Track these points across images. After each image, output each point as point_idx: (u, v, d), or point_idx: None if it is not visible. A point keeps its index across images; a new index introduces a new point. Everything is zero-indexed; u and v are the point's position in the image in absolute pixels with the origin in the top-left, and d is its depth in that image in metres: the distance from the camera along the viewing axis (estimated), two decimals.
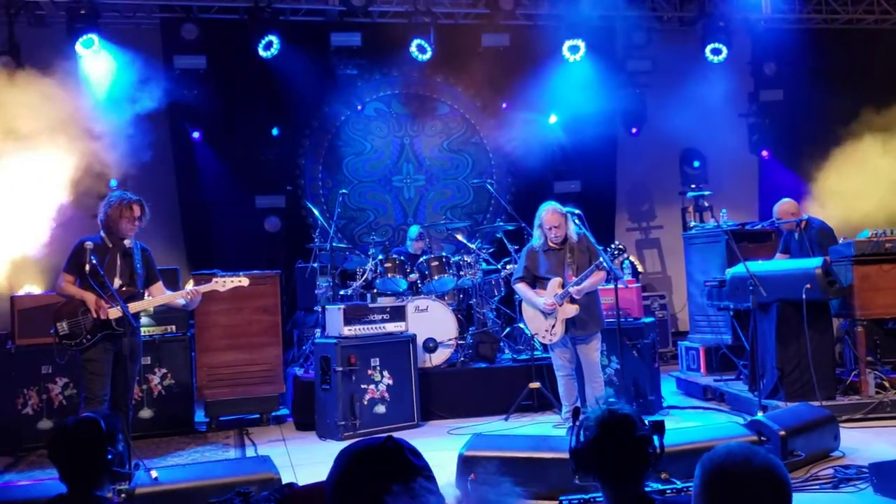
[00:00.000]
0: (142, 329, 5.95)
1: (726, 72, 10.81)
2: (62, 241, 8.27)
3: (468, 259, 7.94)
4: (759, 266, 6.54)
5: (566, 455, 4.55)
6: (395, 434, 5.85)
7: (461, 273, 7.84)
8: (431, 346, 7.40)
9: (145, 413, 6.99)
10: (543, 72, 10.51)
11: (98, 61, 9.05)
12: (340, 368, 6.52)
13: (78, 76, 9.07)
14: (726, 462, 1.93)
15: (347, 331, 6.73)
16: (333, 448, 6.19)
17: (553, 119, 10.89)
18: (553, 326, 6.08)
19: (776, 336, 6.46)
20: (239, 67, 9.65)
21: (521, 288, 6.29)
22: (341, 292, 7.73)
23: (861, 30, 11.27)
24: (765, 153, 11.41)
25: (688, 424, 6.14)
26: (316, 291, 8.04)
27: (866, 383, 6.44)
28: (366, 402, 6.66)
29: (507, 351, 7.95)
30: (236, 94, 9.71)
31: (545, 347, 6.66)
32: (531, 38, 10.53)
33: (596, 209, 9.93)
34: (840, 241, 6.98)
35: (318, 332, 7.62)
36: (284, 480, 4.42)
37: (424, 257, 7.90)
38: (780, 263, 6.79)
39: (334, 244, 7.68)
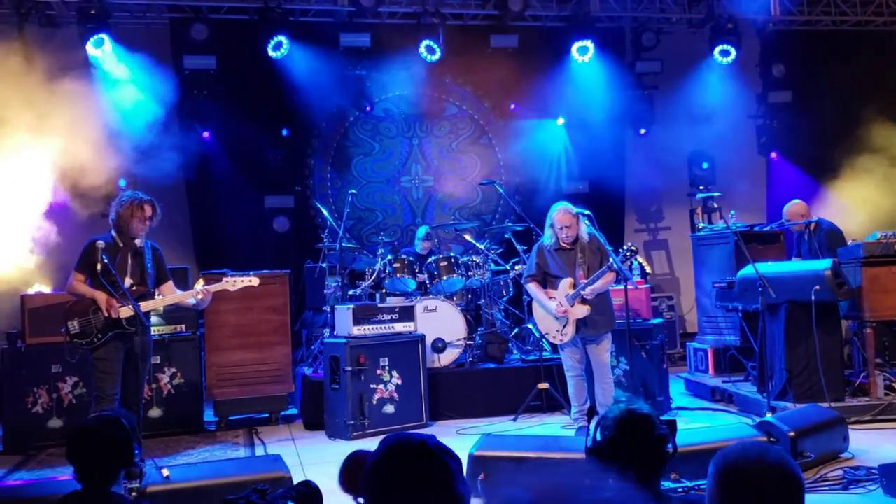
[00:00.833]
0: (152, 328, 5.97)
1: (735, 73, 10.82)
2: (70, 241, 8.34)
3: (477, 259, 7.96)
4: (767, 267, 6.54)
5: (576, 455, 4.61)
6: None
7: (470, 273, 7.86)
8: (440, 346, 7.41)
9: (155, 412, 7.01)
10: (552, 73, 10.53)
11: (108, 61, 9.09)
12: (349, 368, 6.54)
13: (88, 76, 9.11)
14: (740, 459, 1.95)
15: (357, 331, 6.75)
16: (342, 447, 6.26)
17: (561, 121, 10.89)
18: (564, 327, 6.09)
19: (785, 337, 6.46)
20: (248, 68, 9.67)
21: (532, 288, 6.29)
22: (350, 292, 7.75)
23: (870, 32, 11.25)
24: (773, 155, 11.39)
25: (696, 425, 6.15)
26: (325, 291, 8.06)
27: (875, 385, 6.44)
28: (375, 402, 6.68)
29: (515, 351, 7.96)
30: (246, 94, 9.73)
31: (555, 347, 6.67)
32: (540, 39, 10.55)
33: (604, 210, 9.91)
34: (850, 243, 6.97)
35: (326, 331, 7.64)
36: (295, 480, 4.43)
37: (433, 257, 7.91)
38: (789, 265, 6.78)
39: (343, 244, 7.70)
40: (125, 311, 5.25)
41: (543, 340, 7.07)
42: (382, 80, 10.61)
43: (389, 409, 6.75)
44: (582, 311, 6.00)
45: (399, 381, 6.82)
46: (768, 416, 5.63)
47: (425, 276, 7.80)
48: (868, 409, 6.22)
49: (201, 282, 7.09)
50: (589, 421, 2.82)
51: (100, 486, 3.03)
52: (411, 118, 10.87)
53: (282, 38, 9.40)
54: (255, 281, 5.91)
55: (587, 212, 6.19)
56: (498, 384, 7.42)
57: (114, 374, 5.27)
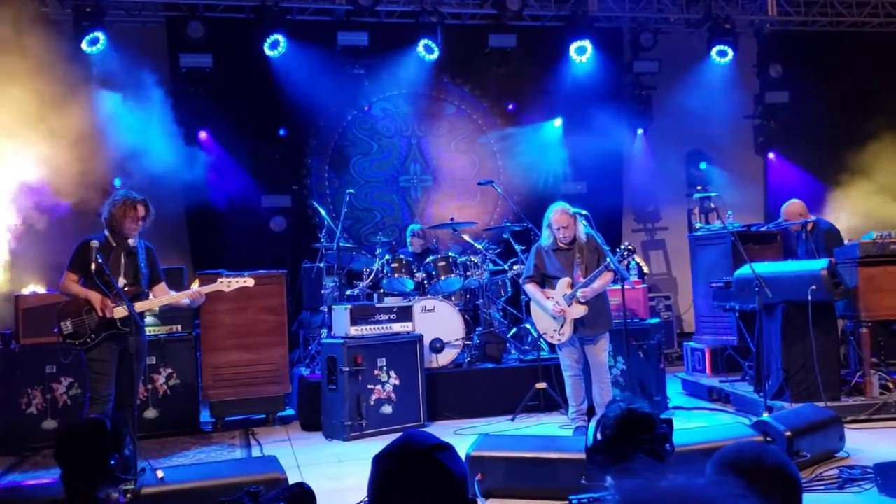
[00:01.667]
0: (147, 329, 5.95)
1: (732, 74, 10.84)
2: (62, 240, 8.32)
3: (475, 259, 7.95)
4: (764, 267, 6.54)
5: (574, 455, 4.61)
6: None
7: (468, 273, 7.85)
8: (438, 346, 7.40)
9: (150, 413, 6.99)
10: (550, 72, 10.54)
11: (103, 59, 9.07)
12: (347, 369, 6.52)
13: (83, 74, 9.09)
14: (738, 460, 1.94)
15: (354, 331, 6.73)
16: (340, 448, 6.25)
17: (559, 122, 10.88)
18: (561, 327, 6.08)
19: (781, 337, 6.46)
20: (245, 66, 9.65)
21: (531, 288, 6.29)
22: (348, 292, 7.73)
23: (866, 33, 11.26)
24: (771, 155, 11.39)
25: (693, 425, 6.14)
26: (322, 291, 8.04)
27: (871, 384, 6.45)
28: (372, 403, 6.66)
29: (513, 351, 7.95)
30: (242, 93, 9.71)
31: (552, 347, 6.66)
32: (538, 39, 10.56)
33: (602, 210, 9.88)
34: (847, 243, 6.97)
35: (324, 332, 7.63)
36: (291, 481, 4.42)
37: (431, 258, 7.90)
38: (786, 265, 6.78)
39: (341, 244, 7.68)
40: (119, 312, 5.22)
41: (541, 340, 7.06)
42: (381, 79, 10.60)
43: (387, 409, 6.73)
44: (579, 310, 5.99)
45: (397, 382, 6.80)
46: (765, 416, 5.63)
47: (423, 276, 7.79)
48: (864, 409, 6.23)
49: (197, 282, 7.08)
50: (589, 420, 2.81)
51: (83, 492, 3.01)
52: (410, 117, 10.85)
53: (279, 36, 9.39)
54: (249, 282, 5.88)
55: (584, 212, 6.19)
56: (496, 384, 7.41)
57: (108, 375, 5.24)
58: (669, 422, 2.79)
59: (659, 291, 10.77)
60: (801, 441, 4.92)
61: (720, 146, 11.21)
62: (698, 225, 9.42)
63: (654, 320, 7.75)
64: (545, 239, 6.24)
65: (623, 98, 10.87)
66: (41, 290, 7.82)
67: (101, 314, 5.19)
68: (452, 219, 8.59)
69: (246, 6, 9.66)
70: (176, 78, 9.50)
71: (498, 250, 8.48)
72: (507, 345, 7.94)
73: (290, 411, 7.64)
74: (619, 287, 6.35)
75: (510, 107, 10.93)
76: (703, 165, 11.04)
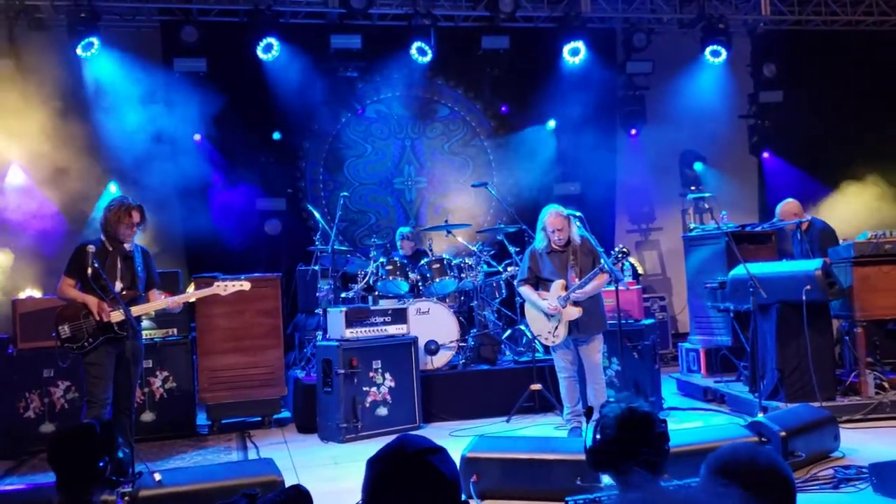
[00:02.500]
0: (143, 332, 5.96)
1: (726, 73, 10.87)
2: (59, 245, 8.33)
3: (469, 261, 7.97)
4: (759, 267, 6.56)
5: (569, 456, 4.63)
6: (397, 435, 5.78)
7: (462, 275, 7.87)
8: (433, 348, 7.41)
9: (147, 416, 6.99)
10: (544, 74, 10.56)
11: (98, 64, 9.07)
12: (342, 371, 6.53)
13: (78, 79, 9.10)
14: (731, 461, 1.96)
15: (349, 333, 6.75)
16: (335, 450, 6.26)
17: (552, 123, 10.91)
18: (556, 328, 6.09)
19: (776, 337, 6.48)
20: (239, 70, 9.65)
21: (525, 290, 6.30)
22: (342, 295, 7.74)
23: (860, 31, 11.30)
24: (766, 154, 11.43)
25: (688, 425, 6.16)
26: (317, 294, 8.06)
27: (866, 384, 6.46)
28: (368, 405, 6.68)
29: (508, 353, 7.96)
30: (237, 96, 9.70)
31: (547, 349, 6.67)
32: (531, 40, 10.58)
33: (596, 211, 9.95)
34: (841, 243, 7.00)
35: (319, 334, 7.64)
36: (287, 483, 4.43)
37: (426, 259, 7.92)
38: (780, 265, 6.81)
39: (336, 247, 7.69)
40: (116, 316, 5.23)
41: (536, 342, 7.07)
42: (374, 81, 10.63)
43: (382, 411, 6.75)
44: (574, 312, 6.01)
45: (392, 384, 6.81)
46: (760, 416, 5.65)
47: (418, 278, 7.80)
48: (859, 409, 6.25)
49: (193, 286, 7.09)
50: (588, 420, 2.83)
51: (76, 496, 3.02)
52: (403, 120, 10.86)
53: (272, 39, 9.39)
54: (246, 285, 5.89)
55: (578, 213, 6.20)
56: (491, 386, 7.42)
57: (105, 379, 5.25)
58: (664, 421, 2.81)
59: (653, 292, 10.80)
60: (796, 441, 4.94)
61: (714, 146, 11.24)
62: (692, 225, 9.45)
63: (649, 321, 7.78)
64: (539, 241, 6.25)
65: (616, 99, 10.90)
66: (38, 294, 7.84)
67: (98, 318, 5.20)
68: (447, 221, 8.62)
69: (240, 10, 9.67)
70: (170, 82, 9.50)
71: (492, 252, 8.49)
72: (502, 346, 7.95)
73: (285, 413, 7.66)
74: (613, 288, 6.37)
75: (503, 108, 10.95)
76: (697, 166, 11.06)
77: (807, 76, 10.99)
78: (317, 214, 8.35)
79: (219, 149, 9.80)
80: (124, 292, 5.35)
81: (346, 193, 8.28)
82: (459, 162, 11.03)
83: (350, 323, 6.78)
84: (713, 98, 10.88)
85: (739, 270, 6.67)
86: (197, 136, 9.65)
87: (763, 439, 4.92)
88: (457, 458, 4.71)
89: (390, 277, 7.70)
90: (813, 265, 6.34)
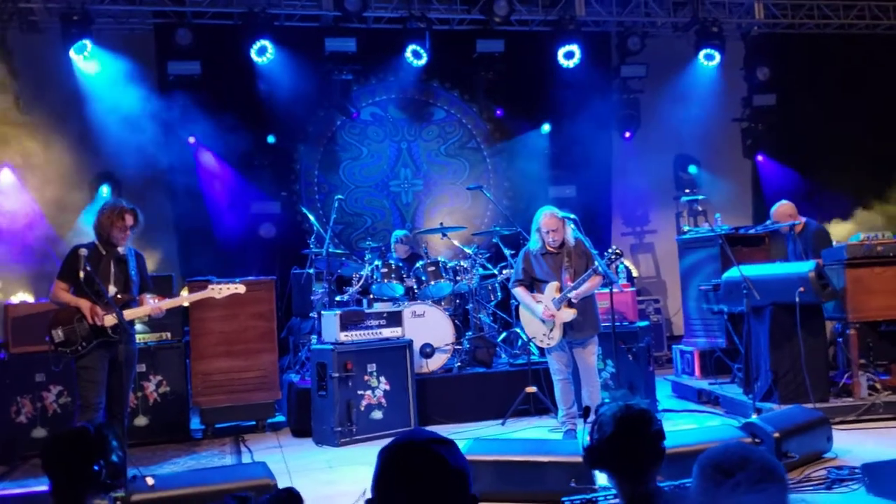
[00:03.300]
0: (136, 336, 5.94)
1: (719, 77, 10.90)
2: (51, 248, 8.32)
3: (465, 264, 7.97)
4: (752, 270, 6.57)
5: (564, 458, 4.64)
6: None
7: (458, 278, 7.87)
8: (428, 351, 7.40)
9: (140, 420, 6.97)
10: (539, 77, 10.57)
11: (92, 67, 9.06)
12: (337, 374, 6.52)
13: (72, 82, 9.08)
14: (724, 459, 1.97)
15: (344, 337, 6.73)
16: (330, 454, 6.25)
17: (547, 126, 10.92)
18: (551, 331, 6.09)
19: (770, 339, 6.49)
20: (233, 73, 9.63)
21: (520, 292, 6.30)
22: (337, 298, 7.73)
23: (853, 35, 11.35)
24: (760, 157, 11.45)
25: (683, 427, 6.17)
26: (312, 297, 8.04)
27: (859, 385, 6.48)
28: (362, 408, 6.66)
29: (503, 355, 7.97)
30: (231, 99, 9.68)
31: (542, 351, 6.68)
32: (526, 43, 10.58)
33: (591, 214, 9.97)
34: (834, 245, 7.02)
35: (314, 338, 7.62)
36: (281, 487, 4.42)
37: (421, 262, 7.92)
38: (774, 267, 6.82)
39: (330, 250, 7.68)
40: (110, 319, 5.22)
41: (531, 344, 7.07)
42: (369, 84, 10.64)
43: (377, 415, 6.74)
44: (568, 314, 6.01)
45: (387, 387, 6.81)
46: (753, 418, 5.66)
47: (413, 281, 7.80)
48: (852, 410, 6.27)
49: (186, 289, 7.08)
50: (586, 420, 2.84)
51: (71, 500, 3.01)
52: (399, 122, 10.86)
53: (266, 42, 9.37)
54: (241, 288, 5.89)
55: (573, 216, 6.21)
56: (486, 388, 7.42)
57: (98, 383, 5.24)
58: (660, 420, 2.84)
59: (648, 294, 10.81)
60: (789, 442, 4.95)
61: (708, 149, 11.27)
62: (686, 228, 9.46)
63: (643, 323, 7.79)
64: (534, 243, 6.25)
65: (611, 102, 10.91)
66: (30, 299, 7.82)
67: (91, 322, 5.19)
68: (442, 223, 8.62)
69: (234, 13, 9.66)
70: (164, 85, 9.49)
71: (487, 255, 8.50)
72: (497, 349, 7.95)
73: (280, 417, 7.64)
74: (607, 290, 6.37)
75: (498, 112, 10.95)
76: (691, 169, 11.08)
77: (800, 79, 11.02)
78: (311, 217, 8.33)
79: (213, 152, 9.78)
80: (118, 296, 5.34)
81: (341, 196, 8.26)
82: (456, 165, 11.03)
83: (345, 326, 6.77)
84: (707, 101, 10.90)
85: (733, 273, 6.68)
86: (191, 139, 9.63)
87: (756, 440, 4.93)
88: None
89: (385, 280, 7.70)
90: (806, 267, 6.35)
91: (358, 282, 7.76)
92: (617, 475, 2.68)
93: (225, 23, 9.73)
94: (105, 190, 9.26)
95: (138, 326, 6.60)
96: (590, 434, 2.78)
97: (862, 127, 10.96)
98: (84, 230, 7.94)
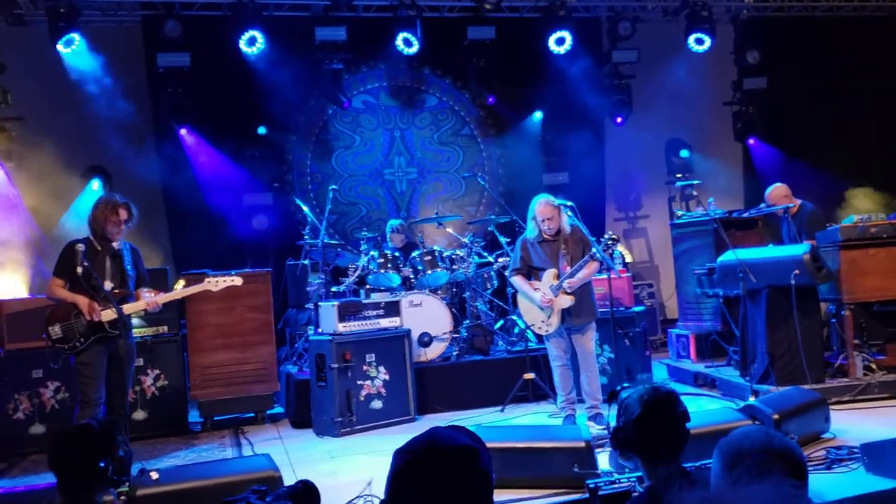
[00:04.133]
0: (133, 330, 5.92)
1: (710, 61, 10.90)
2: (42, 244, 8.27)
3: (461, 252, 7.97)
4: (747, 253, 6.60)
5: (566, 444, 4.66)
6: (393, 428, 5.81)
7: (454, 267, 7.87)
8: (426, 340, 7.42)
9: (139, 415, 6.96)
10: (530, 63, 10.55)
11: (80, 60, 8.98)
12: (336, 365, 6.52)
13: (60, 75, 9.00)
14: (745, 444, 1.99)
15: (342, 327, 6.73)
16: (330, 445, 6.26)
17: (539, 112, 10.91)
18: (549, 317, 6.11)
19: (766, 322, 6.53)
20: (224, 64, 9.54)
21: (517, 280, 6.32)
22: (334, 289, 7.72)
23: (841, 17, 11.37)
24: (751, 141, 11.48)
25: None
26: (307, 289, 8.02)
27: (854, 366, 6.54)
28: (362, 398, 6.67)
29: (500, 343, 7.99)
30: (221, 91, 9.62)
31: (540, 338, 6.70)
32: (517, 30, 10.55)
33: (585, 200, 9.93)
34: (828, 227, 7.06)
35: (311, 329, 7.61)
36: (285, 478, 4.43)
37: (417, 252, 7.91)
38: (768, 250, 6.85)
39: (326, 240, 7.66)
40: (107, 315, 5.20)
41: (528, 331, 7.09)
42: (360, 72, 10.59)
43: (377, 404, 6.75)
44: (566, 301, 6.03)
45: (386, 377, 6.82)
46: (752, 400, 5.70)
47: (409, 270, 7.80)
48: (848, 390, 6.33)
49: (182, 282, 7.06)
50: (611, 404, 2.88)
51: (79, 497, 3.01)
52: (392, 110, 10.82)
53: (256, 33, 9.30)
54: (237, 281, 5.87)
55: (570, 203, 6.22)
56: (484, 376, 7.44)
57: (98, 379, 5.22)
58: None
59: (642, 279, 10.85)
60: (788, 423, 4.98)
61: (700, 133, 11.30)
62: (680, 212, 9.49)
63: (639, 308, 7.82)
64: (530, 231, 6.26)
65: (603, 87, 10.90)
66: (24, 294, 7.77)
67: (88, 318, 5.16)
68: (437, 212, 8.61)
69: (223, 3, 9.57)
70: (153, 77, 9.42)
71: (483, 243, 8.49)
72: (495, 336, 7.97)
73: (278, 409, 7.64)
74: (605, 276, 6.39)
75: (490, 99, 10.92)
76: (684, 153, 11.09)
77: (790, 62, 11.03)
78: (305, 208, 8.30)
79: (204, 144, 9.72)
80: (114, 291, 5.31)
81: (335, 186, 8.21)
82: (449, 152, 11.00)
83: (343, 317, 6.76)
84: (698, 86, 10.91)
85: (728, 256, 6.72)
86: (183, 132, 9.56)
87: (756, 423, 4.95)
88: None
89: (382, 271, 7.69)
90: (801, 250, 6.39)
91: (354, 272, 7.75)
92: (643, 456, 2.72)
93: (214, 13, 9.65)
94: (96, 183, 9.19)
95: (135, 321, 6.58)
96: (616, 416, 2.81)
97: (852, 109, 11.01)
98: (73, 225, 7.92)
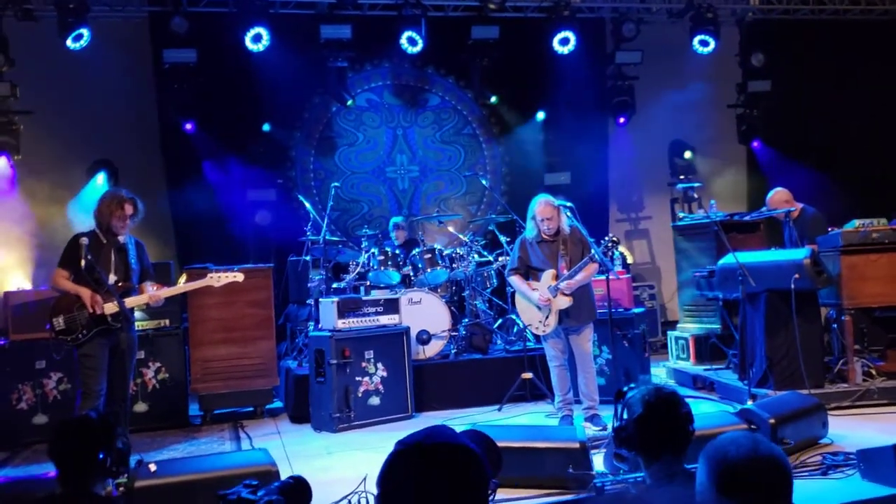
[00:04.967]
0: (135, 323, 5.96)
1: (714, 63, 10.89)
2: (48, 237, 8.32)
3: (461, 251, 8.00)
4: (748, 256, 6.60)
5: (561, 444, 4.68)
6: (390, 425, 5.83)
7: (454, 265, 7.90)
8: (425, 338, 7.45)
9: (140, 407, 7.01)
10: (534, 64, 10.56)
11: (88, 55, 9.01)
12: (335, 361, 6.55)
13: (68, 70, 9.05)
14: (731, 451, 2.00)
15: (341, 324, 6.76)
16: (328, 440, 6.30)
17: (542, 112, 10.91)
18: (546, 318, 6.13)
19: (765, 325, 6.52)
20: (229, 61, 9.59)
21: (515, 280, 6.34)
22: (334, 285, 7.76)
23: (848, 20, 11.35)
24: (755, 144, 11.48)
25: None
26: (308, 285, 8.06)
27: (854, 371, 6.52)
28: (360, 395, 6.71)
29: (499, 342, 8.01)
30: (226, 87, 9.66)
31: (538, 338, 6.72)
32: (521, 30, 10.57)
33: (587, 201, 9.98)
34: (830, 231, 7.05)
35: (311, 325, 7.65)
36: (282, 473, 4.46)
37: (417, 250, 7.94)
38: (769, 254, 6.86)
39: (327, 237, 7.69)
40: (110, 308, 5.25)
41: (527, 331, 7.12)
42: (364, 71, 10.62)
43: (375, 401, 6.78)
44: (564, 301, 6.05)
45: (384, 374, 6.85)
46: (749, 404, 5.71)
47: (409, 268, 7.83)
48: (847, 396, 6.31)
49: (184, 276, 7.10)
50: (617, 403, 2.92)
51: (77, 487, 3.04)
52: (395, 108, 10.85)
53: (261, 29, 9.33)
54: (239, 277, 5.91)
55: (569, 204, 6.23)
56: (482, 375, 7.46)
57: (99, 371, 5.27)
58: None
59: (643, 280, 10.86)
60: (785, 428, 4.98)
61: (703, 135, 11.29)
62: (681, 214, 9.50)
63: (639, 310, 7.83)
64: (529, 231, 6.28)
65: (606, 88, 10.92)
66: (27, 286, 7.83)
67: (91, 311, 5.21)
68: (438, 211, 8.64)
69: (229, 0, 9.61)
70: (160, 73, 9.46)
71: (483, 242, 8.52)
72: (494, 335, 8.00)
73: (277, 404, 7.69)
74: (603, 278, 6.41)
75: (493, 98, 10.94)
76: (688, 155, 11.09)
77: (795, 65, 11.04)
78: (307, 204, 8.34)
79: (208, 140, 9.76)
80: (118, 284, 5.36)
81: (337, 184, 8.25)
82: (451, 151, 11.03)
83: (342, 313, 6.80)
84: (702, 88, 10.92)
85: (728, 259, 6.72)
86: (188, 126, 9.60)
87: (752, 427, 4.95)
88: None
89: (382, 268, 7.73)
90: (801, 254, 6.39)
91: (355, 269, 7.78)
92: (643, 455, 2.75)
93: (220, 10, 9.69)
94: (101, 177, 9.24)
95: (137, 314, 6.62)
96: (619, 414, 2.86)
97: (857, 113, 10.99)
98: (79, 218, 7.96)
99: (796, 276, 6.20)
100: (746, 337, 6.75)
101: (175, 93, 9.38)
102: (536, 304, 6.15)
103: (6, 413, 6.70)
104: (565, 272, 6.04)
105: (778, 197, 7.60)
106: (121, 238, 5.45)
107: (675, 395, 2.80)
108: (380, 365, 6.83)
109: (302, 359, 7.71)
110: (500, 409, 7.00)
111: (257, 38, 9.36)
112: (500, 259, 8.09)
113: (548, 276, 6.13)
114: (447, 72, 10.99)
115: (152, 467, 4.40)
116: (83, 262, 5.17)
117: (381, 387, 6.82)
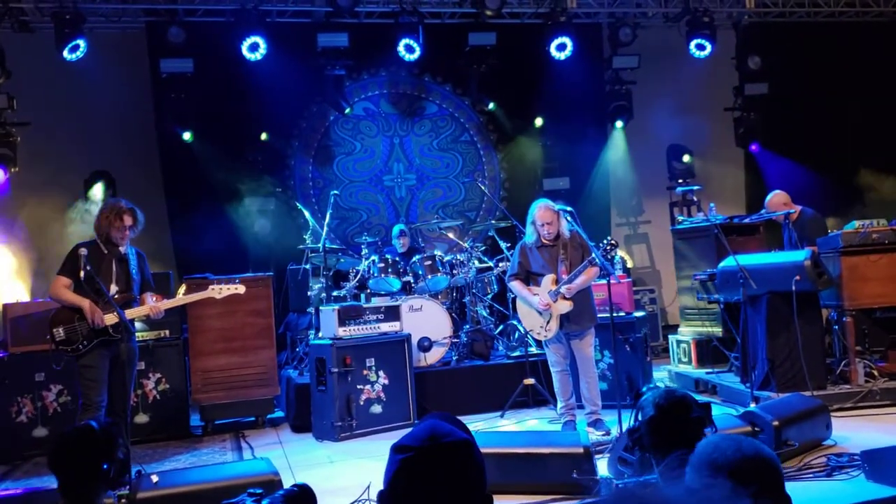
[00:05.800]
0: (136, 334, 5.94)
1: (711, 67, 10.91)
2: (45, 248, 8.31)
3: (461, 257, 7.99)
4: (748, 259, 6.60)
5: (564, 450, 4.67)
6: (392, 433, 5.81)
7: (454, 272, 7.89)
8: (426, 345, 7.43)
9: (141, 418, 6.99)
10: (531, 70, 10.58)
11: (84, 66, 9.02)
12: (336, 369, 6.54)
13: (65, 81, 9.05)
14: (716, 453, 2.00)
15: (342, 332, 6.75)
16: (330, 449, 6.28)
17: (540, 118, 10.92)
18: (548, 323, 6.12)
19: (766, 328, 6.52)
20: (226, 70, 9.58)
21: (516, 285, 6.32)
22: (334, 293, 7.74)
23: (843, 23, 11.39)
24: (753, 146, 11.48)
25: None
26: (308, 293, 8.05)
27: (856, 372, 6.52)
28: (362, 403, 6.69)
29: (500, 348, 7.99)
30: (224, 96, 9.65)
31: (539, 343, 6.70)
32: (518, 36, 10.58)
33: (585, 205, 10.01)
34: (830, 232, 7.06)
35: (311, 333, 7.63)
36: (285, 482, 4.44)
37: (418, 256, 7.93)
38: (769, 256, 6.85)
39: (327, 245, 7.68)
40: (110, 319, 5.23)
41: (528, 336, 7.10)
42: (362, 79, 10.62)
43: (377, 409, 6.76)
44: (565, 306, 6.04)
45: (386, 381, 6.83)
46: (752, 407, 5.69)
47: (410, 275, 7.82)
48: (849, 397, 6.31)
49: (184, 287, 7.08)
50: (634, 403, 2.95)
51: (80, 498, 3.02)
52: (392, 117, 10.85)
53: (258, 39, 9.33)
54: (240, 289, 5.90)
55: (569, 208, 6.23)
56: (484, 381, 7.45)
57: (100, 382, 5.25)
58: (707, 405, 2.93)
59: (643, 284, 10.84)
60: (788, 430, 4.98)
61: (701, 139, 11.30)
62: (681, 218, 9.50)
63: (640, 313, 7.81)
64: (529, 236, 6.27)
65: (603, 93, 10.93)
66: (26, 298, 7.81)
67: (91, 323, 5.19)
68: (437, 218, 8.64)
69: (226, 10, 9.62)
70: (157, 83, 9.46)
71: (483, 248, 8.50)
72: (495, 342, 7.98)
73: (279, 413, 7.66)
74: (604, 282, 6.40)
75: (491, 104, 10.94)
76: (686, 158, 11.10)
77: (792, 68, 11.05)
78: (306, 213, 8.33)
79: (207, 148, 9.74)
80: (119, 295, 5.34)
81: (336, 192, 8.25)
82: (448, 158, 11.02)
83: (343, 321, 6.78)
84: (699, 91, 10.95)
85: (729, 262, 6.72)
86: (186, 136, 9.60)
87: (756, 429, 4.95)
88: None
89: (382, 275, 7.71)
90: (802, 256, 6.38)
91: (355, 277, 7.77)
92: (655, 456, 2.76)
93: (217, 20, 9.70)
94: (99, 188, 9.23)
95: (137, 324, 6.60)
96: (633, 416, 2.91)
97: (854, 114, 11.01)
98: (76, 229, 7.96)
99: (797, 277, 6.19)
100: (748, 339, 6.73)
101: (172, 102, 9.38)
102: (537, 308, 6.13)
103: (6, 426, 6.66)
104: (565, 276, 6.04)
105: (776, 200, 7.61)
106: (122, 248, 5.44)
107: (686, 397, 2.84)
108: (381, 373, 6.82)
109: (303, 368, 7.69)
110: (502, 415, 6.99)
111: (254, 47, 9.36)
112: (500, 265, 8.08)
113: (548, 280, 6.12)
114: (444, 79, 10.99)
115: (154, 478, 4.39)
116: (82, 273, 5.15)
117: (382, 395, 6.80)
